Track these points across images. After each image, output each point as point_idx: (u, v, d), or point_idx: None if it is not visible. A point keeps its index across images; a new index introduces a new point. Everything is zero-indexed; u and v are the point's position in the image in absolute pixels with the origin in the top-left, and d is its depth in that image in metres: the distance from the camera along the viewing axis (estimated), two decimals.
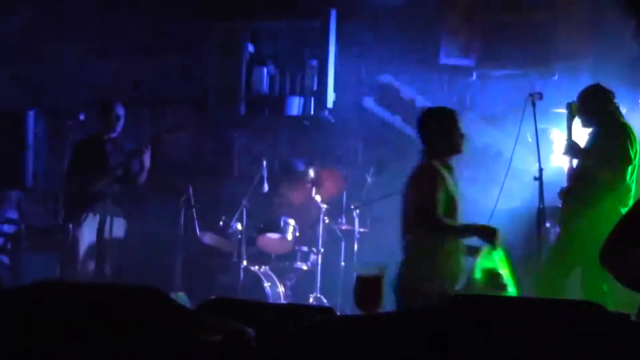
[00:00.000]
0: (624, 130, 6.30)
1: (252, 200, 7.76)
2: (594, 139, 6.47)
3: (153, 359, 2.05)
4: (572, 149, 6.44)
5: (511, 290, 4.87)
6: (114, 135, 7.60)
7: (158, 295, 2.13)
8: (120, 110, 7.61)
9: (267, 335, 2.08)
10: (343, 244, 7.73)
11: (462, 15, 8.65)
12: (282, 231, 7.52)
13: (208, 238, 7.66)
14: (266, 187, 7.77)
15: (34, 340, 2.18)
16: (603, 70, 7.96)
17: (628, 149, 6.21)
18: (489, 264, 4.86)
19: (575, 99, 6.68)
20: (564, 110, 7.49)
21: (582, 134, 6.68)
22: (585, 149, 6.43)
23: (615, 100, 6.56)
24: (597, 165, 6.29)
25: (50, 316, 2.19)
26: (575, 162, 6.60)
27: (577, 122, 6.61)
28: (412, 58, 8.89)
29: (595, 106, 6.48)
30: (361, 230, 7.73)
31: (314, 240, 7.64)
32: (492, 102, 8.63)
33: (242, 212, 7.47)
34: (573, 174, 6.52)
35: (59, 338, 2.16)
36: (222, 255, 7.67)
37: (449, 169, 5.17)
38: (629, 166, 6.23)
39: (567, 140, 6.51)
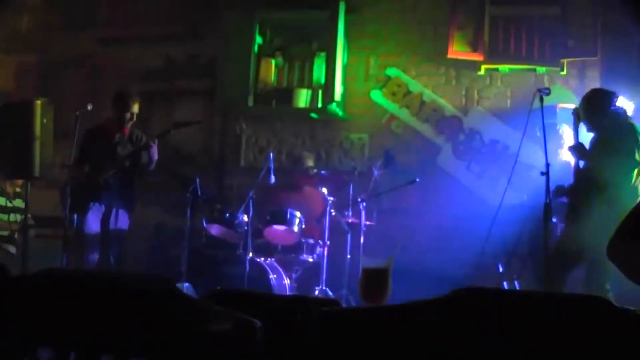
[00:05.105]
0: (630, 133, 6.28)
1: (259, 192, 7.76)
2: (599, 142, 6.45)
3: (160, 347, 2.06)
4: (577, 150, 6.43)
5: None
6: (123, 126, 7.59)
7: (165, 285, 2.13)
8: (134, 105, 7.57)
9: (273, 326, 2.08)
10: (349, 236, 7.72)
11: (471, 10, 8.64)
12: (289, 223, 7.51)
13: (214, 229, 7.66)
14: (273, 179, 7.77)
15: (42, 327, 2.18)
16: (611, 67, 7.95)
17: (634, 152, 6.19)
18: None
19: (580, 101, 6.68)
20: (572, 106, 7.49)
21: (588, 137, 6.67)
22: (591, 151, 6.41)
23: (619, 102, 6.54)
24: (602, 168, 6.25)
25: (57, 304, 2.20)
26: (581, 162, 6.59)
27: (583, 126, 6.59)
28: (420, 51, 8.90)
29: (598, 110, 6.46)
30: (367, 223, 7.73)
31: (320, 233, 7.64)
32: (500, 97, 8.62)
33: (248, 203, 7.46)
34: (579, 174, 6.51)
35: (66, 326, 2.17)
36: (228, 247, 7.66)
37: None
38: (634, 169, 6.22)
39: (574, 142, 6.50)
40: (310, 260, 7.65)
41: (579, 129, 6.48)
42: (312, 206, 8.03)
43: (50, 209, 8.20)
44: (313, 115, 9.05)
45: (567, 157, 7.21)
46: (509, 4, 8.67)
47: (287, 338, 2.19)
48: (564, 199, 6.56)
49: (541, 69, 8.42)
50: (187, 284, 6.98)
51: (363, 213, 7.64)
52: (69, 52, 9.93)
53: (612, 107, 6.45)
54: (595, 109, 6.46)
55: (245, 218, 7.51)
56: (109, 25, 9.96)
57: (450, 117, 8.67)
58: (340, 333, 2.03)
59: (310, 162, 8.39)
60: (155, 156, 7.37)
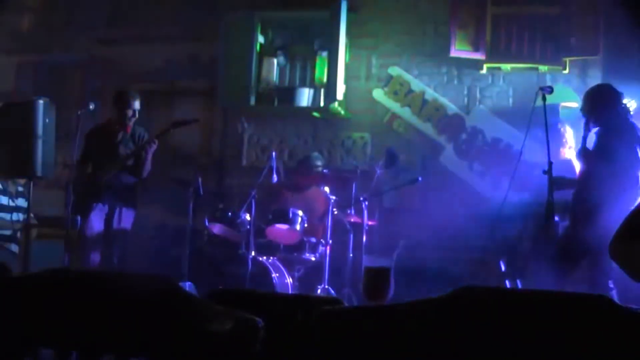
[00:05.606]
0: (633, 132, 6.27)
1: (261, 191, 7.76)
2: (602, 141, 6.42)
3: (161, 347, 2.06)
4: (584, 154, 6.42)
5: None
6: (125, 124, 7.58)
7: (168, 284, 2.13)
8: (135, 102, 7.57)
9: (274, 325, 2.08)
10: (351, 235, 7.71)
11: (472, 9, 8.63)
12: (291, 222, 7.50)
13: (216, 228, 7.65)
14: (275, 178, 7.77)
15: (43, 327, 2.18)
16: (613, 65, 7.94)
17: (637, 153, 6.19)
18: None
19: (589, 94, 6.66)
20: (574, 104, 7.48)
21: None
22: (595, 152, 6.38)
23: (624, 102, 6.53)
24: (608, 168, 6.23)
25: (59, 304, 2.19)
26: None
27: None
28: (422, 50, 8.89)
29: (603, 106, 6.44)
30: (369, 222, 7.73)
31: (322, 232, 7.63)
32: (502, 96, 8.62)
33: (250, 202, 7.46)
34: (583, 174, 6.49)
35: (67, 325, 2.17)
36: (231, 246, 7.66)
37: None
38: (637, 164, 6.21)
39: (582, 145, 6.49)
40: (313, 259, 7.64)
41: (588, 135, 6.46)
42: (314, 205, 8.03)
43: (52, 208, 8.21)
44: (315, 114, 9.05)
45: (569, 155, 7.21)
46: (511, 3, 8.66)
47: (289, 337, 2.18)
48: (567, 197, 6.56)
49: (543, 68, 8.41)
50: (189, 283, 6.98)
51: (365, 212, 7.63)
52: (69, 52, 9.93)
53: (619, 105, 6.45)
54: (604, 103, 6.44)
55: (248, 217, 7.51)
56: (109, 25, 9.95)
57: (452, 116, 8.66)
58: (341, 332, 2.02)
59: (319, 163, 8.34)
60: (149, 156, 7.38)
